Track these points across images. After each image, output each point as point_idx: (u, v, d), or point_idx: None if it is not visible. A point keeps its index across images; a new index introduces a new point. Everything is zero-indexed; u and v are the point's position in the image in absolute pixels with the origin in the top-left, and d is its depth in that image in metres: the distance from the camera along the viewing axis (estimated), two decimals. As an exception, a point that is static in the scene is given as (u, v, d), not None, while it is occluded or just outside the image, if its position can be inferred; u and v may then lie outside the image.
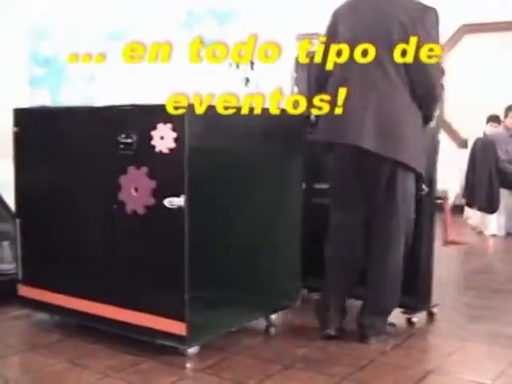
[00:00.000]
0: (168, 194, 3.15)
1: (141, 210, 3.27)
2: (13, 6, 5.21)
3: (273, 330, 3.75)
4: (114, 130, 3.34)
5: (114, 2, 7.95)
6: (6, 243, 4.42)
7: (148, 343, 3.34)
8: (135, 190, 3.28)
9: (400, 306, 3.87)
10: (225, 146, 3.49)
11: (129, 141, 3.28)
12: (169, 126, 3.12)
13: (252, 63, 5.59)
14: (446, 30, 9.34)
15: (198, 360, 3.25)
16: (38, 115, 3.99)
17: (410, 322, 3.97)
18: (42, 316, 3.85)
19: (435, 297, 4.31)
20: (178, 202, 3.12)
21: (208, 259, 3.78)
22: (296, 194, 3.88)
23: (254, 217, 3.97)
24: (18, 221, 3.87)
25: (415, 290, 3.97)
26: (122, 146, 3.30)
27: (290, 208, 3.88)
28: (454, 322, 4.09)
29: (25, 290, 3.84)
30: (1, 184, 4.40)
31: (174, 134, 3.11)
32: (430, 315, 4.09)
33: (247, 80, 6.58)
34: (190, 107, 3.12)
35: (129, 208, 3.31)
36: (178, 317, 3.19)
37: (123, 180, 3.32)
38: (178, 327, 3.20)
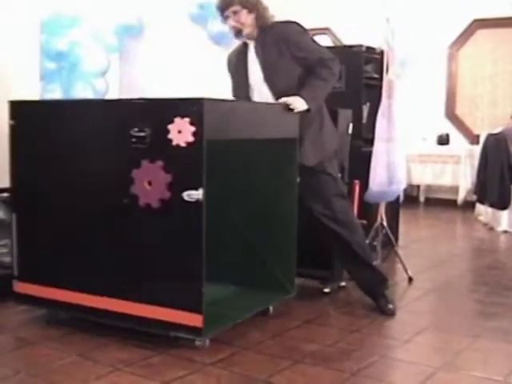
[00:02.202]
0: (186, 187, 3.16)
1: (155, 204, 3.27)
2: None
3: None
4: (126, 124, 3.33)
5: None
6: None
7: (158, 337, 3.36)
8: (149, 183, 3.28)
9: (316, 278, 4.52)
10: (238, 139, 3.55)
11: (142, 134, 3.27)
12: (187, 119, 3.13)
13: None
14: (458, 25, 9.32)
15: (207, 354, 3.25)
16: (37, 108, 3.94)
17: (323, 292, 4.44)
18: (50, 310, 3.85)
19: (445, 293, 4.32)
20: (197, 195, 3.14)
21: (220, 251, 3.83)
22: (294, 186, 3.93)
23: (258, 209, 4.03)
24: (14, 215, 3.83)
25: (330, 264, 4.49)
26: (134, 140, 3.30)
27: (289, 199, 3.94)
28: (465, 318, 4.08)
29: (22, 287, 3.79)
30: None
31: (193, 128, 3.12)
32: (339, 288, 4.59)
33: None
34: (208, 102, 3.14)
35: (142, 201, 3.31)
36: (195, 309, 3.22)
37: (136, 174, 3.31)
38: (194, 319, 3.22)
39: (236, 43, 4.22)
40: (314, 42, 4.06)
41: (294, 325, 3.79)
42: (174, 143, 3.18)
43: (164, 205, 3.25)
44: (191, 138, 3.13)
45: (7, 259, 4.25)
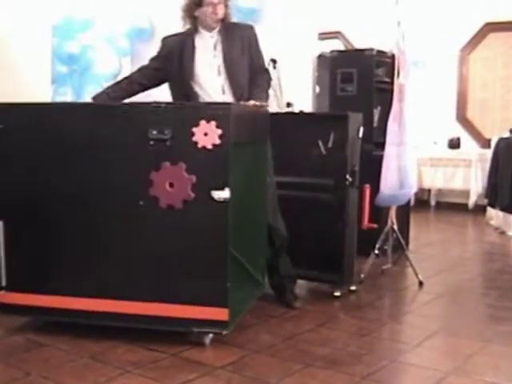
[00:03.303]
0: (211, 187, 3.30)
1: (178, 205, 3.34)
2: (38, 2, 5.25)
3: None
4: (144, 127, 3.39)
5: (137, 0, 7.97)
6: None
7: (167, 339, 3.37)
8: (170, 185, 3.35)
9: (326, 282, 4.53)
10: (255, 141, 3.84)
11: (162, 137, 3.35)
12: (213, 123, 3.28)
13: (274, 61, 5.58)
14: (469, 29, 9.30)
15: (218, 357, 3.26)
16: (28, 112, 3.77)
17: (334, 296, 4.42)
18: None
19: (455, 297, 4.31)
20: (224, 194, 3.28)
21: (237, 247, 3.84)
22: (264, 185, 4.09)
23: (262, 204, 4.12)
24: (0, 223, 3.68)
25: (340, 267, 4.44)
26: (152, 143, 3.36)
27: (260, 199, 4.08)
28: (476, 322, 4.08)
29: (12, 297, 3.66)
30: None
31: (219, 131, 3.27)
32: (350, 291, 4.55)
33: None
34: (233, 106, 3.37)
35: (163, 203, 3.36)
36: (222, 304, 3.36)
37: (155, 176, 3.36)
38: (221, 314, 3.35)
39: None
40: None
41: (304, 328, 3.79)
42: (200, 145, 3.30)
43: (187, 205, 3.34)
44: (218, 141, 3.28)
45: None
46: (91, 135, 3.53)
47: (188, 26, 4.21)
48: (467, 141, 9.52)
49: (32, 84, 5.22)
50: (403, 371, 3.27)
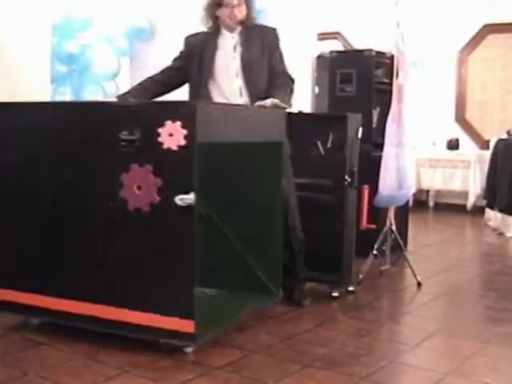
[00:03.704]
0: (177, 191, 3.13)
1: (146, 208, 3.23)
2: (38, 2, 5.24)
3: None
4: (116, 127, 3.29)
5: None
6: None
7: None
8: (138, 187, 3.24)
9: (325, 283, 4.53)
10: (228, 142, 3.58)
11: (131, 138, 3.24)
12: (178, 123, 3.11)
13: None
14: (468, 30, 9.31)
15: (216, 358, 3.25)
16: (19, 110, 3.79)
17: (332, 297, 4.43)
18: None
19: (454, 298, 4.30)
20: (189, 199, 3.12)
21: (210, 255, 3.84)
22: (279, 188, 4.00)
23: (243, 210, 4.03)
24: None
25: (338, 268, 4.47)
26: (123, 144, 3.26)
27: (274, 202, 3.99)
28: (474, 323, 4.08)
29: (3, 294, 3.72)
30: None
31: (185, 132, 3.10)
32: (348, 292, 4.55)
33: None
34: (200, 104, 3.14)
35: (131, 206, 3.26)
36: (187, 314, 3.19)
37: (125, 178, 3.26)
38: (186, 325, 3.19)
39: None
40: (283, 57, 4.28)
41: (303, 329, 3.79)
42: (165, 146, 3.15)
43: (154, 209, 3.21)
44: (183, 142, 3.11)
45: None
46: (68, 134, 3.52)
47: (210, 25, 4.17)
48: (466, 142, 9.53)
49: (31, 83, 5.21)
50: (402, 372, 3.27)
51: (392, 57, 5.43)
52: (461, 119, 9.67)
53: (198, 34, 4.26)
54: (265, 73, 4.12)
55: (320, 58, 7.61)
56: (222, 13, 4.07)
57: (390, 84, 5.29)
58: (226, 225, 4.04)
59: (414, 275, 4.91)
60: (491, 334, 3.82)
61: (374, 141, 5.70)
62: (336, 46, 9.67)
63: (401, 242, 5.17)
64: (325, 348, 3.46)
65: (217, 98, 4.09)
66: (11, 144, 3.66)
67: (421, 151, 8.87)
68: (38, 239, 3.62)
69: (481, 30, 9.40)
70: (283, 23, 7.61)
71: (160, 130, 3.16)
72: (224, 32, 4.15)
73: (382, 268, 5.16)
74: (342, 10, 9.79)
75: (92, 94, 7.31)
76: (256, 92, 4.05)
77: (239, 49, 4.11)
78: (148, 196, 3.21)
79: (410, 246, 6.20)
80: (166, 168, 3.19)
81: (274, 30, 4.25)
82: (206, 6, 4.16)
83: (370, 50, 5.94)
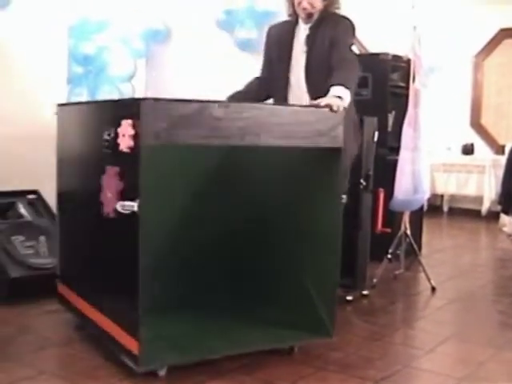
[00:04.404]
0: (127, 197, 2.88)
1: (112, 214, 3.02)
2: (55, 4, 5.27)
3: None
4: (98, 127, 3.16)
5: (152, 1, 8.00)
6: (42, 238, 4.47)
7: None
8: (109, 191, 3.04)
9: (339, 286, 4.10)
10: (191, 144, 3.04)
11: (107, 138, 3.03)
12: (129, 122, 2.82)
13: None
14: (484, 35, 9.27)
15: (230, 359, 3.25)
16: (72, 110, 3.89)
17: (346, 300, 4.42)
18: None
19: (468, 303, 4.28)
20: (131, 206, 2.82)
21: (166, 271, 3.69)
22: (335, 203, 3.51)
23: (290, 226, 3.62)
24: (57, 215, 3.88)
25: (353, 272, 4.47)
26: (105, 144, 3.06)
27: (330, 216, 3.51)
28: (487, 329, 4.06)
29: (61, 289, 3.87)
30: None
31: (132, 132, 2.81)
32: (362, 296, 4.55)
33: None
34: (149, 102, 2.78)
35: (104, 211, 3.10)
36: (132, 332, 2.95)
37: (102, 180, 3.11)
38: (131, 344, 2.96)
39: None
40: (351, 47, 4.00)
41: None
42: (121, 148, 2.89)
43: (116, 216, 2.97)
44: (131, 143, 2.82)
45: (34, 260, 4.32)
46: (77, 134, 3.57)
47: (290, 13, 4.02)
48: (481, 147, 9.49)
49: (48, 84, 5.24)
50: (416, 376, 3.26)
51: (408, 60, 5.42)
52: (476, 124, 9.63)
53: (278, 23, 4.13)
54: (326, 69, 3.78)
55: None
56: (295, 2, 3.91)
57: (406, 88, 5.29)
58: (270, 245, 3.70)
59: (429, 280, 4.90)
60: (505, 339, 3.81)
61: (390, 144, 5.69)
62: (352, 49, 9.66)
63: (415, 246, 5.16)
64: (339, 351, 3.46)
65: (293, 89, 3.95)
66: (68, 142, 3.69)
67: (435, 156, 8.83)
68: (80, 242, 3.63)
69: (497, 35, 9.37)
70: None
71: (118, 130, 2.90)
72: (300, 22, 3.98)
73: (397, 272, 5.15)
74: (358, 13, 9.76)
75: (108, 95, 7.33)
76: (314, 90, 3.78)
77: (307, 45, 3.91)
78: (114, 200, 2.97)
79: (424, 251, 6.18)
80: (124, 171, 2.95)
81: (344, 21, 3.97)
82: None
83: (386, 54, 5.93)
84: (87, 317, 3.45)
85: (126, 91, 7.53)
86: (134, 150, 2.80)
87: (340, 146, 3.26)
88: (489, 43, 9.45)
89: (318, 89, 3.71)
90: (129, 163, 2.86)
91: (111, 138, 2.98)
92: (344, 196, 3.41)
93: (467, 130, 9.61)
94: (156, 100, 2.79)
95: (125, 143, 2.85)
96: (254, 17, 8.03)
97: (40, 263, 4.33)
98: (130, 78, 7.74)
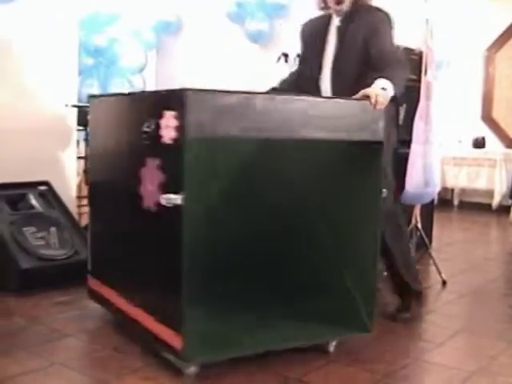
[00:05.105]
0: (169, 190, 2.81)
1: (153, 207, 2.96)
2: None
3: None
4: (139, 118, 3.09)
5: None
6: (53, 229, 4.49)
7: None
8: (151, 183, 2.98)
9: None
10: (236, 137, 3.01)
11: (147, 129, 2.99)
12: (172, 113, 2.78)
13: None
14: (496, 28, 9.22)
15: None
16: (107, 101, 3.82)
17: None
18: (85, 303, 3.89)
19: (478, 297, 4.25)
20: (175, 199, 2.75)
21: (214, 264, 3.66)
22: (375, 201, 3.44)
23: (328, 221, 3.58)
24: (89, 209, 3.83)
25: None
26: (144, 136, 3.02)
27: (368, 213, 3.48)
28: (498, 323, 4.05)
29: (92, 283, 3.78)
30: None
31: (176, 123, 2.75)
32: None
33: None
34: (195, 93, 2.71)
35: (145, 204, 3.05)
36: (176, 327, 2.87)
37: (142, 173, 3.06)
38: (174, 340, 2.87)
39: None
40: (392, 40, 3.82)
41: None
42: (164, 140, 2.84)
43: (158, 209, 2.90)
44: (175, 134, 2.76)
45: (45, 251, 4.33)
46: (113, 126, 3.51)
47: (321, 6, 3.88)
48: (492, 140, 9.45)
49: (59, 77, 5.26)
50: (427, 370, 3.25)
51: (420, 53, 5.38)
52: (487, 117, 9.59)
53: (312, 19, 3.99)
54: (354, 68, 3.68)
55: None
56: None
57: (418, 81, 5.25)
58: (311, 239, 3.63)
59: (439, 273, 4.89)
60: (517, 333, 3.81)
61: (401, 138, 5.65)
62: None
63: (426, 239, 5.14)
64: (349, 344, 3.45)
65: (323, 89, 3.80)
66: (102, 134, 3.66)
67: (446, 149, 8.80)
68: (116, 236, 3.57)
69: (508, 28, 9.31)
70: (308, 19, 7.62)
71: (161, 121, 2.86)
72: (333, 16, 3.83)
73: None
74: (370, 6, 9.74)
75: (119, 86, 7.35)
76: (339, 89, 3.66)
77: (337, 38, 3.77)
78: (155, 193, 2.92)
79: (434, 244, 6.17)
80: (166, 163, 2.89)
81: (379, 15, 3.79)
82: None
83: (398, 46, 5.89)
84: (123, 312, 3.38)
85: (137, 83, 7.54)
86: (178, 141, 2.75)
87: (380, 139, 3.21)
88: (500, 36, 9.39)
89: (342, 88, 3.62)
90: (171, 155, 2.82)
91: (152, 129, 2.94)
92: (384, 190, 3.29)
93: (478, 124, 9.57)
94: (201, 91, 2.73)
95: (168, 135, 2.81)
96: (265, 9, 8.03)
97: (51, 254, 4.35)
98: (141, 69, 7.75)
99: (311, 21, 4.01)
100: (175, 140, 2.76)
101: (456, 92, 9.30)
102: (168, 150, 2.83)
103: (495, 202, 8.98)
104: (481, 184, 9.13)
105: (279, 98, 2.97)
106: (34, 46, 5.03)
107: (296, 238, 3.67)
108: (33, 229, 4.42)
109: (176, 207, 2.74)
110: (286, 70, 4.98)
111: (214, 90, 2.78)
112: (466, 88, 9.48)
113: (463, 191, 9.57)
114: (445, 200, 9.41)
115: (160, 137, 2.86)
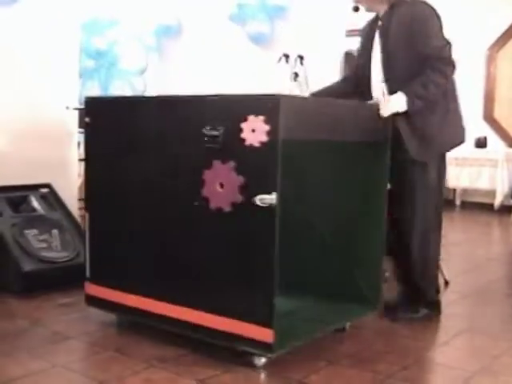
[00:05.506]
0: (258, 190, 2.95)
1: (227, 208, 3.08)
2: (68, 2, 5.28)
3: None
4: (200, 122, 3.15)
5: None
6: (55, 231, 4.49)
7: (189, 336, 3.34)
8: (221, 185, 3.10)
9: None
10: (315, 139, 3.36)
11: (215, 133, 3.09)
12: (261, 118, 2.94)
13: (301, 58, 5.57)
14: (498, 27, 9.21)
15: (242, 354, 3.24)
16: (111, 104, 3.78)
17: None
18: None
19: (481, 297, 4.24)
20: (270, 199, 2.92)
21: (296, 261, 3.74)
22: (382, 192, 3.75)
23: (341, 214, 3.84)
24: (87, 215, 3.72)
25: None
26: (207, 139, 3.11)
27: (376, 206, 3.75)
28: (501, 323, 4.04)
29: (94, 289, 3.69)
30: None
31: (267, 127, 2.92)
32: None
33: (296, 75, 6.57)
34: (285, 98, 2.97)
35: (213, 205, 3.13)
36: (265, 323, 3.01)
37: (207, 175, 3.14)
38: (264, 334, 3.01)
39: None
40: (435, 36, 3.73)
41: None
42: (247, 143, 2.98)
43: (236, 209, 3.04)
44: (265, 138, 2.93)
45: (47, 254, 4.34)
46: (157, 129, 3.43)
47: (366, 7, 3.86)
48: (494, 140, 9.44)
49: (60, 80, 5.26)
50: (429, 370, 3.25)
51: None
52: (489, 117, 9.58)
53: (368, 20, 3.93)
54: (405, 64, 3.63)
55: (348, 55, 7.59)
56: None
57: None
58: (322, 229, 3.86)
59: (442, 273, 4.88)
60: (519, 333, 3.80)
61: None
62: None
63: (428, 240, 5.12)
64: (351, 345, 3.45)
65: (374, 87, 3.80)
66: (117, 139, 3.60)
67: (448, 149, 8.77)
68: (128, 239, 3.55)
69: (510, 27, 9.30)
70: (311, 20, 7.62)
71: (243, 125, 2.99)
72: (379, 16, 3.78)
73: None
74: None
75: (119, 89, 7.36)
76: (393, 87, 3.62)
77: (381, 37, 3.72)
78: (230, 194, 3.05)
79: (436, 245, 6.15)
80: (248, 166, 3.01)
81: (418, 7, 3.69)
82: None
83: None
84: (159, 316, 3.38)
85: (138, 85, 7.55)
86: (269, 144, 2.92)
87: (385, 141, 3.63)
88: (502, 36, 9.39)
89: (395, 83, 3.63)
90: (255, 157, 2.98)
91: (221, 133, 3.06)
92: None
93: (480, 124, 9.55)
94: (290, 97, 3.11)
95: (255, 138, 2.96)
96: (266, 10, 8.03)
97: (53, 257, 4.36)
98: (142, 72, 7.76)
99: (368, 22, 3.96)
100: (264, 143, 2.94)
101: (458, 91, 9.28)
102: (252, 152, 2.98)
103: (497, 201, 8.97)
104: (483, 184, 9.12)
105: (347, 103, 3.50)
106: (34, 49, 5.03)
107: (345, 233, 3.88)
108: (35, 231, 4.43)
109: (269, 206, 2.93)
110: (286, 70, 4.99)
111: (302, 97, 3.36)
112: (467, 88, 9.40)
113: (465, 191, 9.56)
114: (447, 200, 9.37)
115: (240, 140, 3.00)
